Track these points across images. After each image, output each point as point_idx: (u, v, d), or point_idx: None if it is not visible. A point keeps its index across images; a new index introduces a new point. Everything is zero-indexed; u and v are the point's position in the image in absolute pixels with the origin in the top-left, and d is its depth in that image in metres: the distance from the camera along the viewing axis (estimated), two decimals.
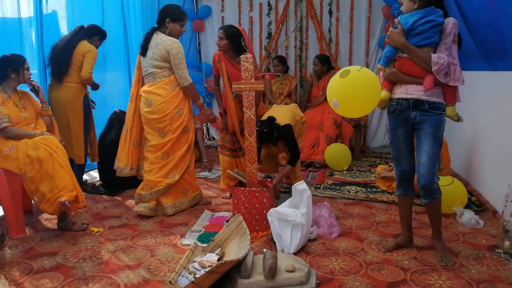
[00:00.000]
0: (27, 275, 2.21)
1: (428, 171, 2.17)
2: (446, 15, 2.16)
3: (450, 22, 2.11)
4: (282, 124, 3.17)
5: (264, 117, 3.30)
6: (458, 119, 2.25)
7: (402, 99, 2.25)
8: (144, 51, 3.08)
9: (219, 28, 3.31)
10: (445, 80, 2.11)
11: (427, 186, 2.20)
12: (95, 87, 3.79)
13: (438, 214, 2.34)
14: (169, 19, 3.03)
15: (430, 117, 2.18)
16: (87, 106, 3.67)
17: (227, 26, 3.33)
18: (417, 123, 2.23)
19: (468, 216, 2.87)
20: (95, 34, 3.73)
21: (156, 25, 3.11)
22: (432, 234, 2.42)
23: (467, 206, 3.11)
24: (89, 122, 3.74)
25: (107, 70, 4.50)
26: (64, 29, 4.11)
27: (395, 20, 2.23)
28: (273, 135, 3.09)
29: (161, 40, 3.00)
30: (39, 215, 3.10)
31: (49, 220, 3.00)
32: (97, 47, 3.70)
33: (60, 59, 3.52)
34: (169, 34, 3.04)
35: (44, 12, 3.78)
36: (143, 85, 3.18)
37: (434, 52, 2.13)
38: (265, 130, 3.06)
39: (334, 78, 2.27)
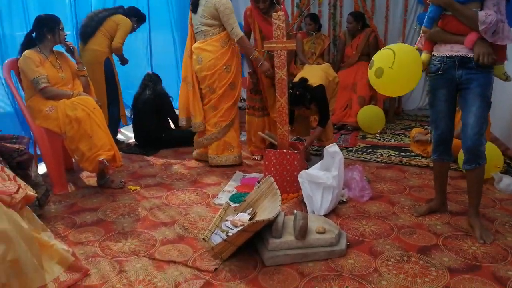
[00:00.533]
0: (70, 228, 2.36)
1: (475, 132, 2.06)
2: None
3: None
4: (314, 85, 3.10)
5: (296, 78, 3.23)
6: (507, 78, 2.12)
7: (447, 57, 2.12)
8: (194, 7, 3.13)
9: None
10: (492, 39, 1.97)
11: (474, 148, 2.08)
12: (123, 61, 3.84)
13: (480, 185, 2.19)
14: None
15: (478, 75, 2.05)
16: (110, 70, 3.68)
17: None
18: (463, 83, 2.10)
19: (507, 182, 2.78)
20: (134, 15, 3.78)
21: None
22: (469, 210, 2.27)
23: (506, 172, 3.01)
24: (113, 86, 3.75)
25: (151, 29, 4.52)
26: None
27: None
28: (306, 97, 3.04)
29: None
30: (80, 173, 3.25)
31: (89, 178, 3.14)
32: (133, 29, 3.77)
33: (92, 20, 3.56)
34: None
35: None
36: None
37: (481, 8, 1.98)
38: (297, 92, 3.00)
39: (371, 76, 2.21)
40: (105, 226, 2.38)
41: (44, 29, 2.81)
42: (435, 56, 2.20)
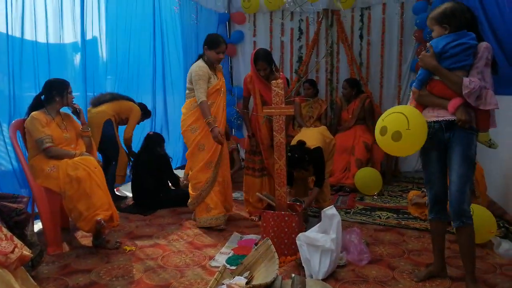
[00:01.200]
0: None
1: (457, 190, 2.13)
2: (480, 40, 2.14)
3: (483, 46, 2.10)
4: (312, 148, 3.18)
5: (294, 141, 3.32)
6: (490, 145, 2.21)
7: (434, 122, 2.23)
8: None
9: (258, 61, 3.33)
10: (476, 103, 2.08)
11: (456, 205, 2.14)
12: (131, 154, 4.13)
13: (471, 248, 2.19)
14: (206, 46, 3.33)
15: (461, 135, 2.16)
16: (111, 130, 3.91)
17: (264, 54, 3.36)
18: (450, 144, 2.20)
19: (506, 247, 2.76)
20: (142, 109, 4.19)
21: (201, 53, 3.43)
22: (466, 277, 2.23)
23: (505, 236, 2.99)
24: (115, 145, 3.96)
25: (137, 91, 4.72)
26: (104, 54, 4.36)
27: (427, 43, 2.24)
28: (305, 160, 3.11)
29: (192, 66, 3.34)
30: (75, 232, 3.22)
31: (84, 238, 3.11)
32: (138, 122, 4.16)
33: (110, 94, 4.01)
34: (207, 60, 3.33)
35: (86, 37, 4.02)
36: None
37: (467, 76, 2.11)
38: (296, 155, 3.08)
39: (386, 141, 2.19)
40: None
41: (53, 92, 2.95)
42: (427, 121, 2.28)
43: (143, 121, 4.29)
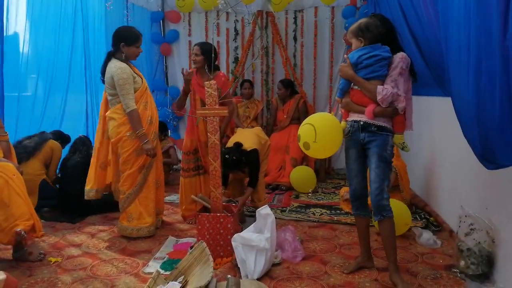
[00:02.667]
0: None
1: (376, 187, 2.30)
2: (398, 51, 2.33)
3: (398, 57, 2.29)
4: (249, 149, 3.20)
5: (230, 143, 3.32)
6: (403, 148, 2.40)
7: (354, 121, 2.41)
8: (102, 77, 3.15)
9: (195, 45, 3.40)
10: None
11: (375, 202, 2.31)
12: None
13: (391, 239, 2.35)
14: (123, 43, 3.06)
15: (377, 137, 2.32)
16: (49, 188, 3.79)
17: (203, 43, 3.47)
18: (366, 144, 2.37)
19: (427, 237, 2.97)
20: (59, 138, 3.99)
21: (112, 50, 3.13)
22: (389, 267, 2.37)
23: (426, 227, 3.23)
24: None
25: (68, 92, 4.43)
26: (26, 50, 4.05)
27: (344, 55, 2.40)
28: (242, 162, 3.12)
29: (109, 68, 3.04)
30: None
31: (3, 251, 2.86)
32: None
33: (26, 147, 3.66)
34: (126, 57, 3.10)
35: (6, 33, 3.71)
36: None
37: (383, 84, 2.29)
38: (234, 157, 3.08)
39: (301, 147, 2.47)
40: None
41: None
42: (347, 121, 2.48)
43: (64, 148, 4.01)
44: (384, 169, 2.31)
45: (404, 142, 2.39)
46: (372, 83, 2.29)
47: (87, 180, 3.29)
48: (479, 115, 1.79)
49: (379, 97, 2.24)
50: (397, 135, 2.37)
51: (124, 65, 3.04)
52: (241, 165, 3.14)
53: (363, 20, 2.36)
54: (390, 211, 2.32)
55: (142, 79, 3.20)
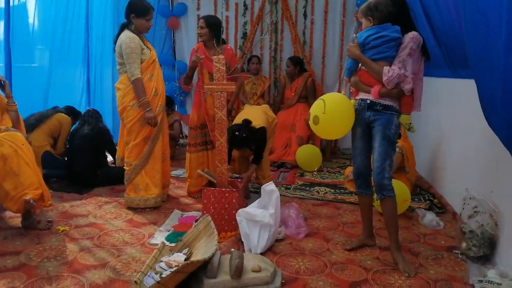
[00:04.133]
0: None
1: (378, 166, 2.31)
2: (411, 29, 2.26)
3: (408, 36, 2.23)
4: (257, 127, 3.19)
5: (238, 119, 3.31)
6: (409, 128, 2.37)
7: (361, 99, 2.40)
8: (114, 47, 3.17)
9: (200, 18, 3.41)
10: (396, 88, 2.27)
11: (377, 180, 2.33)
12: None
13: (393, 218, 2.37)
14: (133, 15, 3.09)
15: (381, 116, 2.32)
16: (52, 159, 3.82)
17: (208, 16, 3.46)
18: (371, 122, 2.36)
19: (430, 218, 2.99)
20: (71, 113, 4.01)
21: (125, 21, 3.16)
22: (391, 245, 2.40)
23: (429, 208, 3.24)
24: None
25: (69, 62, 4.43)
26: (32, 20, 4.03)
27: (353, 35, 2.35)
28: (251, 139, 3.12)
29: (120, 37, 3.09)
30: (2, 212, 3.02)
31: (13, 218, 2.93)
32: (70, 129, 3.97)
33: (32, 116, 3.75)
34: (136, 29, 3.11)
35: (13, 3, 3.68)
36: None
37: (390, 65, 2.25)
38: (244, 135, 3.08)
39: (311, 125, 2.46)
40: (28, 270, 2.21)
41: None
42: (355, 99, 2.47)
43: (75, 124, 4.01)
44: (386, 148, 2.30)
45: (410, 123, 2.36)
46: (379, 64, 2.26)
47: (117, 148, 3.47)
48: (507, 99, 1.69)
49: (384, 78, 2.23)
50: (404, 115, 2.35)
51: (133, 35, 3.07)
52: (250, 142, 3.15)
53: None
54: (391, 191, 2.33)
55: (151, 51, 3.21)
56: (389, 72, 2.21)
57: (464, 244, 2.45)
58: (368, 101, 2.35)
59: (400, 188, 3.02)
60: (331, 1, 5.32)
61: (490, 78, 1.80)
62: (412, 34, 2.24)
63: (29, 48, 4.07)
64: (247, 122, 3.18)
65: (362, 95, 2.41)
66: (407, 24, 2.29)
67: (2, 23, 3.62)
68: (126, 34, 3.06)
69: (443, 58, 3.28)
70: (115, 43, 3.16)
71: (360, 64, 2.38)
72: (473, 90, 2.22)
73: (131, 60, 3.01)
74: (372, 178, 2.42)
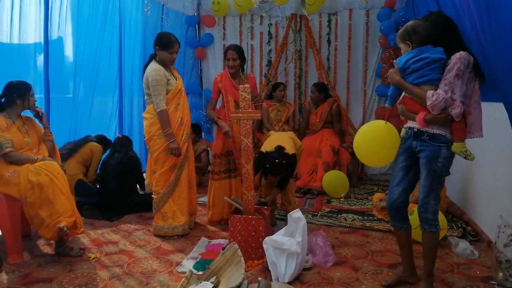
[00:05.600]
0: None
1: (421, 198, 2.21)
2: (460, 49, 2.11)
3: (455, 57, 2.08)
4: (290, 153, 3.20)
5: (268, 145, 3.31)
6: (466, 157, 2.18)
7: (409, 128, 2.29)
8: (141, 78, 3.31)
9: (230, 50, 3.42)
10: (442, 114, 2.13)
11: (419, 213, 2.24)
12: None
13: (431, 252, 2.26)
14: (158, 47, 3.22)
15: (427, 147, 2.18)
16: (85, 188, 3.96)
17: (238, 47, 3.49)
18: (417, 152, 2.25)
19: (463, 246, 2.88)
20: (102, 142, 4.19)
21: (153, 53, 3.30)
22: (423, 276, 2.30)
23: (462, 236, 3.13)
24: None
25: (102, 93, 4.62)
26: (69, 53, 4.25)
27: (394, 61, 2.31)
28: (290, 166, 3.14)
29: (147, 69, 3.21)
30: (37, 239, 3.12)
31: (47, 245, 3.02)
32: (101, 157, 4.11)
33: (67, 144, 3.97)
34: (160, 61, 3.22)
35: (51, 38, 3.91)
36: None
37: (436, 89, 2.12)
38: (284, 161, 3.07)
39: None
40: None
41: (14, 95, 2.85)
42: (404, 127, 2.36)
43: (106, 152, 4.16)
44: (432, 182, 2.18)
45: (466, 151, 2.17)
46: (423, 88, 2.13)
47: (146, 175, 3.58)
48: None
49: (428, 103, 2.09)
50: (457, 143, 2.15)
51: (159, 67, 3.18)
52: (289, 169, 3.16)
53: (410, 23, 2.22)
54: (434, 226, 2.21)
55: (177, 80, 3.31)
56: (433, 96, 2.07)
57: (500, 274, 2.35)
58: (415, 129, 2.22)
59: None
60: (354, 27, 5.39)
61: None
62: (460, 54, 2.08)
63: (65, 80, 4.28)
64: (280, 148, 3.19)
65: (409, 123, 2.29)
66: (455, 45, 2.14)
67: (42, 56, 3.84)
68: (152, 67, 3.17)
69: None
70: (143, 72, 3.29)
71: (403, 91, 2.28)
72: (503, 113, 2.18)
73: (157, 92, 3.12)
74: (407, 210, 2.35)
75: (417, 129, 2.21)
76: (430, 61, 2.12)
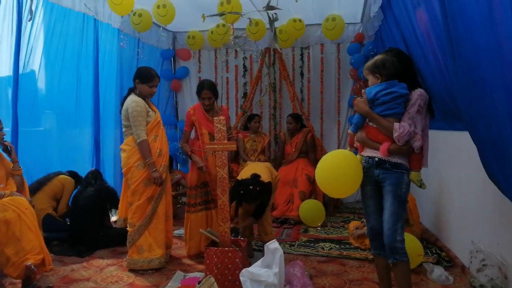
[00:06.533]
0: None
1: (389, 228, 2.20)
2: (417, 86, 2.27)
3: (416, 93, 2.21)
4: (265, 182, 3.23)
5: (243, 174, 3.33)
6: (421, 185, 2.28)
7: (369, 157, 2.34)
8: (121, 109, 3.30)
9: (203, 89, 3.41)
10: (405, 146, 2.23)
11: (388, 243, 2.21)
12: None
13: (405, 282, 2.22)
14: (138, 80, 3.25)
15: (391, 175, 2.24)
16: (54, 223, 3.77)
17: (210, 83, 3.47)
18: (381, 181, 2.29)
19: (438, 273, 2.91)
20: (74, 177, 4.06)
21: (133, 86, 3.32)
22: None
23: (437, 262, 3.17)
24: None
25: (76, 126, 4.55)
26: (42, 86, 4.20)
27: (362, 90, 2.39)
28: (263, 193, 3.15)
29: (126, 101, 3.23)
30: (3, 279, 2.95)
31: (13, 285, 2.86)
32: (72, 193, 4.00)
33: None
34: (139, 94, 3.25)
35: (22, 71, 3.87)
36: None
37: (399, 122, 2.22)
38: (258, 188, 3.09)
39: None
40: None
41: None
42: (362, 156, 2.41)
43: (76, 188, 4.02)
44: (398, 208, 2.21)
45: (421, 179, 2.29)
46: (388, 120, 2.22)
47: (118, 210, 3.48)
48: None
49: (395, 135, 2.18)
50: (414, 172, 2.27)
51: (139, 99, 3.21)
52: (263, 196, 3.17)
53: (379, 57, 2.33)
54: (404, 255, 2.20)
55: (156, 113, 3.34)
56: (400, 128, 2.16)
57: None
58: (377, 159, 2.28)
59: (413, 242, 2.98)
60: (326, 60, 5.60)
61: (490, 130, 1.80)
62: (420, 91, 2.22)
63: (37, 113, 4.21)
64: (256, 176, 3.21)
65: (369, 152, 2.35)
66: (413, 81, 2.29)
67: (10, 90, 3.78)
68: (133, 98, 3.19)
69: (437, 111, 3.37)
70: (121, 105, 3.30)
71: (367, 120, 2.34)
72: (468, 141, 2.28)
73: (138, 122, 3.12)
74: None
75: (379, 158, 2.28)
76: (398, 96, 2.23)
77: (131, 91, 3.30)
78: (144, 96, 3.26)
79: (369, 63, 2.35)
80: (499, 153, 1.86)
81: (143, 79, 3.23)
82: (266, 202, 3.28)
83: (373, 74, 2.31)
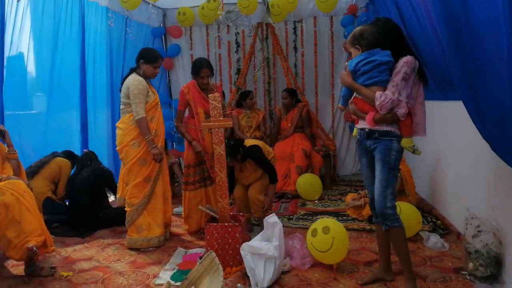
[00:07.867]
0: None
1: (379, 195, 2.24)
2: (406, 54, 2.25)
3: (402, 61, 2.21)
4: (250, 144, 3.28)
5: None
6: (414, 151, 2.30)
7: (360, 129, 2.39)
8: (121, 88, 3.30)
9: (202, 68, 3.36)
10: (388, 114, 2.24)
11: (379, 210, 2.25)
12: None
13: (401, 247, 2.27)
14: (143, 60, 3.24)
15: (380, 142, 2.27)
16: (53, 205, 3.77)
17: (209, 63, 3.45)
18: (372, 151, 2.33)
19: (434, 240, 2.98)
20: (70, 158, 4.04)
21: (135, 66, 3.31)
22: (404, 275, 2.30)
23: (433, 230, 3.23)
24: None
25: (64, 108, 4.50)
26: (32, 69, 4.13)
27: (346, 63, 2.39)
28: (239, 149, 3.22)
29: (127, 80, 3.21)
30: (5, 261, 2.98)
31: (15, 267, 2.90)
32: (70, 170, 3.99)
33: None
34: (143, 74, 3.24)
35: (8, 54, 3.78)
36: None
37: (385, 90, 2.23)
38: (232, 142, 3.19)
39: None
40: None
41: None
42: (357, 128, 2.45)
43: (73, 168, 4.03)
44: (387, 175, 2.23)
45: (414, 145, 2.29)
46: (372, 89, 2.24)
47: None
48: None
49: (377, 103, 2.20)
50: (406, 138, 2.27)
51: (141, 79, 3.21)
52: (238, 152, 3.24)
53: (357, 28, 2.32)
54: (395, 220, 2.23)
55: (155, 95, 3.33)
56: (381, 97, 2.18)
57: (471, 265, 2.44)
58: (367, 130, 2.31)
59: (411, 210, 3.07)
60: (319, 34, 5.51)
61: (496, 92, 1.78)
62: (407, 58, 2.21)
63: (28, 96, 4.14)
64: (239, 138, 3.34)
65: (361, 124, 2.38)
66: (401, 49, 2.27)
67: None
68: (135, 77, 3.19)
69: (432, 81, 3.36)
70: (122, 84, 3.29)
71: (354, 92, 2.37)
72: (463, 111, 2.28)
73: (138, 100, 3.11)
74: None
75: (368, 129, 2.31)
76: (378, 64, 2.23)
77: (132, 70, 3.30)
78: (146, 77, 3.26)
79: (349, 36, 2.36)
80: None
81: (148, 60, 3.23)
82: (263, 162, 3.32)
83: (353, 46, 2.32)
